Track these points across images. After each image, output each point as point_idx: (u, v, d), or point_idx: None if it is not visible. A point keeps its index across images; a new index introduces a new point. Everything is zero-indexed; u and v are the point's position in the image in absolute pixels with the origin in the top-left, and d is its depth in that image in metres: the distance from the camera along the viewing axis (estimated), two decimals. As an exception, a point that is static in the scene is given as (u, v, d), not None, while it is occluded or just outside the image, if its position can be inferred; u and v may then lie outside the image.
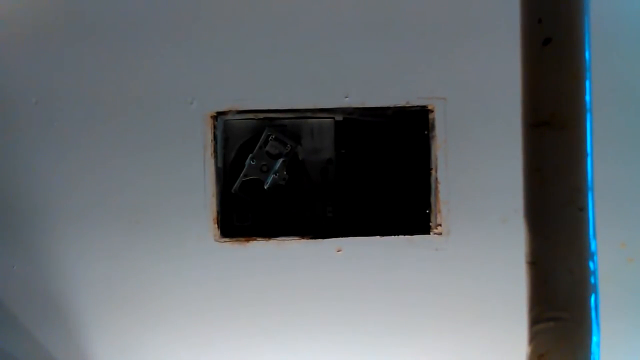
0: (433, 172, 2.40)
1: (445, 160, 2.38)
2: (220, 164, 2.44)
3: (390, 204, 2.47)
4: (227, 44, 2.38)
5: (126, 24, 2.39)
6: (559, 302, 1.24)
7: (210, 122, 2.40)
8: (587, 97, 1.23)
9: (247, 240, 2.42)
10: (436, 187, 2.39)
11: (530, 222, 1.27)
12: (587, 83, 1.22)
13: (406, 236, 2.40)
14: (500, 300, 2.35)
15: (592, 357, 1.23)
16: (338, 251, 2.40)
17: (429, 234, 2.41)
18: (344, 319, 2.40)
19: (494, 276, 2.35)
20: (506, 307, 2.32)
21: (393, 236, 2.40)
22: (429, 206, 2.41)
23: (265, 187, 2.44)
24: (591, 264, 1.25)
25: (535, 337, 1.25)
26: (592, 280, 1.25)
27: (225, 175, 2.46)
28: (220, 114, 2.41)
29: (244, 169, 2.45)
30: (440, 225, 2.39)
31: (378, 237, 2.40)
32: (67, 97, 2.39)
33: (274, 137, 2.44)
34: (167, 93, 2.39)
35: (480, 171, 2.37)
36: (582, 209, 1.23)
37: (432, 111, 2.39)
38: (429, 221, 2.42)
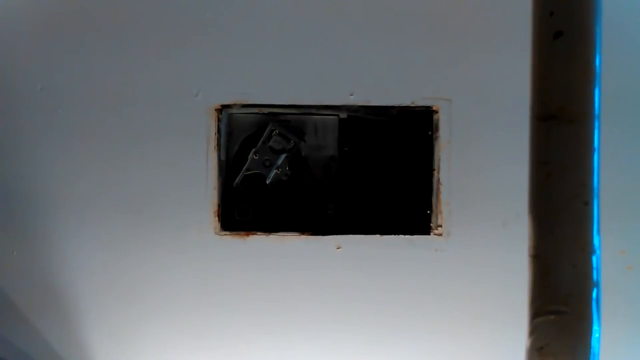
0: (435, 173, 2.40)
1: (448, 161, 2.38)
2: (223, 157, 2.44)
3: (392, 203, 2.47)
4: (234, 37, 2.38)
5: (133, 14, 2.39)
6: (561, 296, 1.24)
7: (214, 114, 2.40)
8: (597, 92, 1.23)
9: (247, 235, 2.42)
10: (438, 188, 2.40)
11: (535, 215, 1.27)
12: (597, 78, 1.22)
13: (406, 236, 2.40)
14: (498, 302, 2.34)
15: (592, 351, 1.22)
16: (338, 248, 2.40)
17: (429, 234, 2.41)
18: (342, 316, 2.40)
19: (492, 278, 2.35)
20: (504, 309, 2.32)
21: (393, 235, 2.40)
22: (430, 207, 2.41)
23: (267, 182, 2.44)
24: (594, 259, 1.25)
25: (535, 330, 1.25)
26: (595, 275, 1.25)
27: (228, 168, 2.46)
28: (225, 107, 2.42)
29: (247, 163, 2.45)
30: (440, 226, 2.39)
31: (378, 235, 2.40)
32: (73, 85, 2.39)
33: (277, 132, 2.44)
34: (172, 84, 2.39)
35: (482, 174, 2.37)
36: (587, 203, 1.23)
37: (436, 112, 2.39)
38: (430, 222, 2.42)
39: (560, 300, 1.24)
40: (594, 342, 1.23)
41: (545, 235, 1.26)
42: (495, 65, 2.35)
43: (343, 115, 2.46)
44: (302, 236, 2.42)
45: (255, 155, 2.45)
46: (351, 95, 2.39)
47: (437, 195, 2.40)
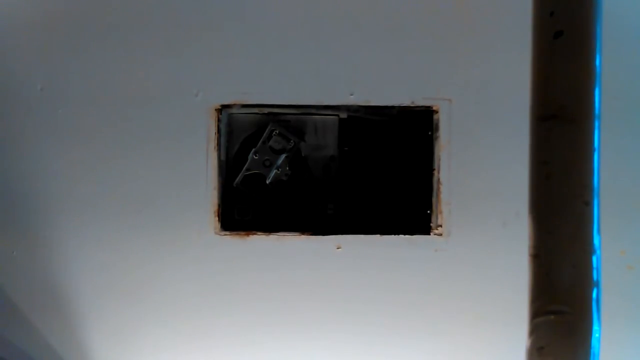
0: (435, 172, 2.40)
1: (448, 161, 2.38)
2: (223, 157, 2.44)
3: (392, 203, 2.47)
4: (234, 37, 2.38)
5: (133, 14, 2.39)
6: (561, 296, 1.24)
7: (214, 114, 2.40)
8: (597, 92, 1.23)
9: (247, 235, 2.42)
10: (438, 188, 2.39)
11: (535, 215, 1.27)
12: (597, 78, 1.22)
13: (406, 236, 2.40)
14: (498, 302, 2.34)
15: (592, 351, 1.22)
16: (338, 248, 2.40)
17: (429, 234, 2.41)
18: (342, 316, 2.40)
19: (492, 278, 2.35)
20: (504, 309, 2.32)
21: (393, 235, 2.40)
22: (430, 207, 2.41)
23: (267, 182, 2.44)
24: (594, 259, 1.25)
25: (535, 330, 1.25)
26: (595, 275, 1.25)
27: (228, 168, 2.46)
28: (225, 107, 2.42)
29: (247, 163, 2.45)
30: (440, 226, 2.39)
31: (378, 235, 2.40)
32: (73, 86, 2.39)
33: (277, 132, 2.44)
34: (172, 84, 2.39)
35: (482, 173, 2.37)
36: (588, 203, 1.23)
37: (436, 112, 2.39)
38: (430, 222, 2.41)
39: (560, 300, 1.24)
40: (594, 342, 1.23)
41: (545, 235, 1.26)
42: (495, 65, 2.35)
43: (343, 115, 2.46)
44: (302, 236, 2.41)
45: (255, 155, 2.45)
46: (351, 95, 2.39)
47: (437, 195, 2.40)
